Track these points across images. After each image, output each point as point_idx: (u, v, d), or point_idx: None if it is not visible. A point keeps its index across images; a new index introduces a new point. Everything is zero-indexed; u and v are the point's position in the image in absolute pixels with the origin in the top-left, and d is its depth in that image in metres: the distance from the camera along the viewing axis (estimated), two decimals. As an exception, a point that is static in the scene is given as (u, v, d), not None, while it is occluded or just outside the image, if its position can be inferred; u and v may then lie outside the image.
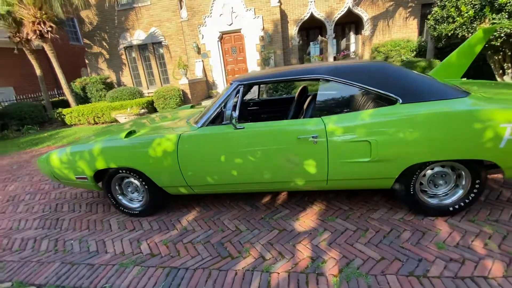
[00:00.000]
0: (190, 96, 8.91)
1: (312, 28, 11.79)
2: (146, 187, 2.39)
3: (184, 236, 2.20)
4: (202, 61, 10.43)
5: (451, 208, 2.00)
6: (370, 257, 1.74)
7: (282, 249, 1.92)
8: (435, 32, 5.99)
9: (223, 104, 2.16)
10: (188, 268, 1.84)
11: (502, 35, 4.83)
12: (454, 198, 1.99)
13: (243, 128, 2.06)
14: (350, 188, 2.16)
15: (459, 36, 5.34)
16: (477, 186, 1.91)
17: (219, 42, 10.19)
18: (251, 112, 3.52)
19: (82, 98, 10.49)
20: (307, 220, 2.22)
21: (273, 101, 3.46)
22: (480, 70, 6.98)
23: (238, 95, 2.16)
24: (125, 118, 7.19)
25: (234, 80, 2.20)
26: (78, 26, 11.43)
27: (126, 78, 11.72)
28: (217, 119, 2.23)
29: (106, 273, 1.89)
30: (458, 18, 5.24)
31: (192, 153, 2.14)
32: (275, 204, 2.52)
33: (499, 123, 1.67)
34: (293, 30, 10.42)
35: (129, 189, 2.55)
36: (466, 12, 5.04)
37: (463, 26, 5.14)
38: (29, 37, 8.33)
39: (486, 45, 5.35)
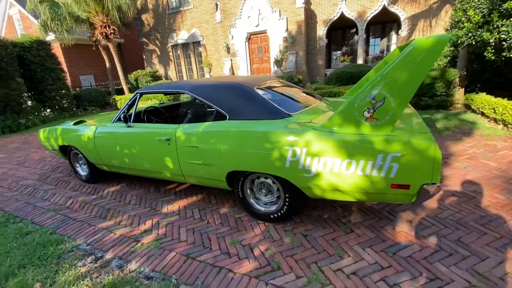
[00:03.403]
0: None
1: (347, 27, 11.20)
2: (86, 161, 3.32)
3: (95, 200, 3.04)
4: (231, 60, 11.26)
5: (272, 216, 2.24)
6: (179, 238, 2.21)
7: (136, 220, 2.55)
8: (447, 38, 5.26)
9: (126, 107, 2.86)
10: (76, 219, 2.66)
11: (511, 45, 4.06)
12: (274, 208, 2.23)
13: (132, 127, 2.72)
14: (201, 184, 2.59)
15: (464, 44, 4.65)
16: (287, 200, 2.12)
17: (247, 43, 10.81)
18: None
19: (135, 88, 12.75)
20: (176, 205, 2.77)
21: None
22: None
23: (136, 101, 2.82)
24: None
25: (138, 90, 2.88)
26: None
27: (172, 72, 13.57)
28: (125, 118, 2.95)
29: (36, 212, 2.88)
30: (466, 24, 4.56)
31: (102, 141, 2.93)
32: (172, 191, 3.12)
33: (284, 146, 1.88)
34: (321, 31, 10.19)
35: (81, 162, 3.54)
36: (473, 17, 4.37)
37: (469, 34, 4.47)
38: (98, 38, 10.66)
39: (503, 58, 4.52)
